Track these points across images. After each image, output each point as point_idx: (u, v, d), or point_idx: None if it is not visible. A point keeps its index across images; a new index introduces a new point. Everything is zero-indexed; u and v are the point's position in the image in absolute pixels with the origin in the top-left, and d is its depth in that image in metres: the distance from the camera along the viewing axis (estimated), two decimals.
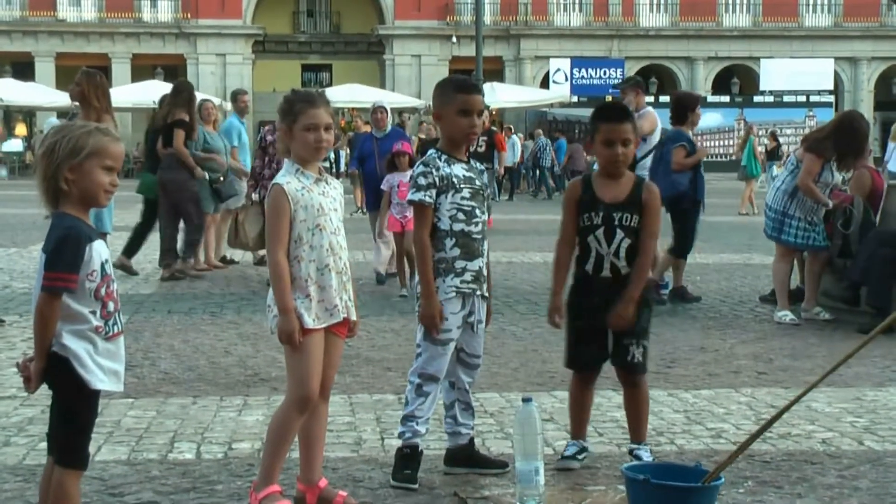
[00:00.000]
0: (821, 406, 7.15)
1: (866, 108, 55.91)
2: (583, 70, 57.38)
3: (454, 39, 57.37)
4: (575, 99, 54.68)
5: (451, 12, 58.51)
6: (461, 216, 5.44)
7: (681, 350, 9.09)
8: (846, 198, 10.90)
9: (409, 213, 11.36)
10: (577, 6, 60.03)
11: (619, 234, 5.62)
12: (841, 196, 10.93)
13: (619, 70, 57.81)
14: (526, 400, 5.13)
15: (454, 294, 5.43)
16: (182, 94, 13.83)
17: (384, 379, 7.92)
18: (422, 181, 5.40)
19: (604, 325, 5.64)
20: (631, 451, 5.76)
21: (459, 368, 5.62)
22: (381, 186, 12.63)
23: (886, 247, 10.30)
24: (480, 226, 5.51)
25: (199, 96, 15.07)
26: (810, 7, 60.76)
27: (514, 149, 37.43)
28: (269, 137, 12.93)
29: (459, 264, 5.45)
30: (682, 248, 11.91)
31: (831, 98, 56.47)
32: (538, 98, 52.99)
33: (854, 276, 10.58)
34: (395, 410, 6.89)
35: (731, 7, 60.57)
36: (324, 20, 62.40)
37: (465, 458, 5.66)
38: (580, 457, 5.77)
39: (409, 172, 11.45)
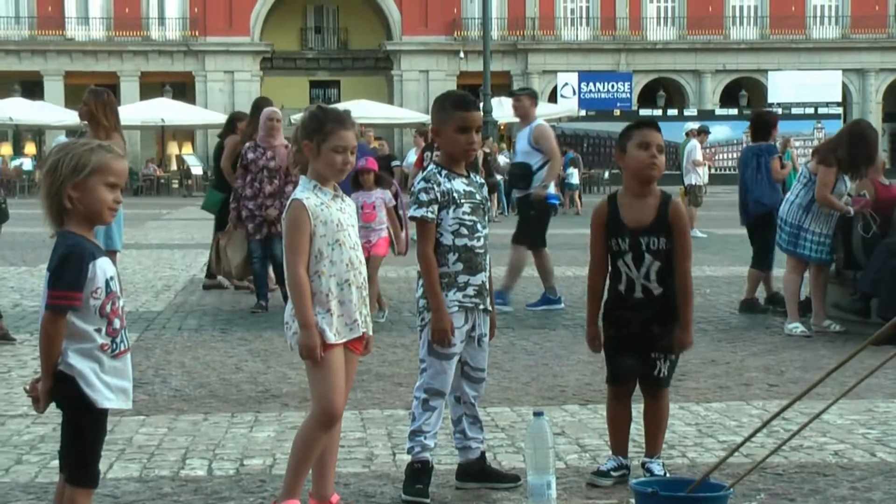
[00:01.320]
0: (833, 418, 7.13)
1: (875, 120, 55.87)
2: (590, 84, 57.42)
3: (462, 55, 57.48)
4: (583, 113, 54.73)
5: (459, 27, 58.63)
6: (463, 231, 5.45)
7: (692, 363, 9.07)
8: (865, 203, 10.94)
9: (374, 238, 11.15)
10: (584, 20, 60.14)
11: (648, 258, 5.62)
12: (861, 202, 10.96)
13: (627, 84, 57.87)
14: (537, 414, 5.13)
15: (457, 308, 5.44)
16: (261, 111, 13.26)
17: (395, 394, 7.92)
18: (423, 197, 5.40)
19: (636, 337, 5.64)
20: (643, 465, 5.75)
21: (464, 383, 5.62)
22: None
23: (892, 255, 10.30)
24: (482, 240, 5.52)
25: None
26: (818, 20, 60.78)
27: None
28: (249, 155, 12.06)
29: (462, 279, 5.46)
30: (766, 260, 12.34)
31: (840, 110, 56.44)
32: (546, 112, 52.91)
33: (864, 288, 10.57)
34: (407, 426, 6.86)
35: (738, 20, 60.62)
36: (331, 36, 62.56)
37: (476, 472, 5.65)
38: (615, 473, 5.70)
39: (374, 192, 11.25)
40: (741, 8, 60.63)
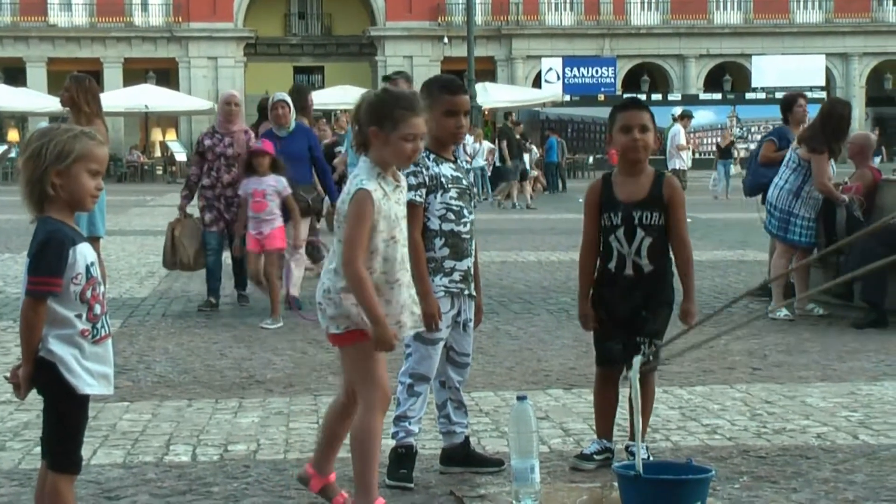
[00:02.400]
0: (815, 401, 7.16)
1: (858, 104, 55.97)
2: (574, 69, 57.44)
3: (446, 40, 57.42)
4: (567, 98, 54.72)
5: (443, 13, 58.56)
6: (450, 216, 5.44)
7: (675, 347, 9.08)
8: (857, 188, 10.98)
9: (266, 229, 10.52)
10: (568, 5, 60.10)
11: (640, 233, 5.63)
12: (851, 187, 11.02)
13: (611, 69, 57.90)
14: (521, 398, 5.13)
15: (443, 293, 5.43)
16: (300, 97, 13.03)
17: None
18: (412, 181, 5.35)
19: (624, 320, 5.66)
20: (627, 448, 5.77)
21: (449, 367, 5.63)
22: (239, 192, 10.80)
23: (879, 243, 10.32)
24: (468, 225, 5.52)
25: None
26: (801, 3, 60.84)
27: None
28: (206, 142, 11.47)
29: (448, 264, 5.45)
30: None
31: (823, 94, 56.51)
32: (530, 98, 53.03)
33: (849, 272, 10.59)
34: (388, 411, 6.89)
35: (722, 4, 60.64)
36: (315, 22, 62.43)
37: (461, 457, 5.67)
38: (598, 457, 5.71)
39: (267, 178, 10.50)
40: None
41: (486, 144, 35.37)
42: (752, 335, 9.73)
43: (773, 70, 57.62)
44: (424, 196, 5.40)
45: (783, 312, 10.57)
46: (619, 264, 5.67)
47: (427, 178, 5.39)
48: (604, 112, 50.37)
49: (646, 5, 60.56)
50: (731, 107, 55.52)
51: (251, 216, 10.59)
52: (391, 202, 4.74)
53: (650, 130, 5.69)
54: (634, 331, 5.66)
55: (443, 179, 5.43)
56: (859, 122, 53.72)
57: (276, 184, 10.54)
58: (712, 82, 60.30)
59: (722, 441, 6.19)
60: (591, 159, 50.28)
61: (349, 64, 60.31)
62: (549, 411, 6.92)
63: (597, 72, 57.60)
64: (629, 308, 5.66)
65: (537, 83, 57.76)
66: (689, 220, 19.96)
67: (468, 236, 5.52)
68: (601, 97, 54.02)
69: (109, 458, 5.90)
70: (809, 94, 52.19)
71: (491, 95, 46.08)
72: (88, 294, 4.11)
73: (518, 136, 33.46)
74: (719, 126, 52.44)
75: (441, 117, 5.45)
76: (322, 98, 41.47)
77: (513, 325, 10.38)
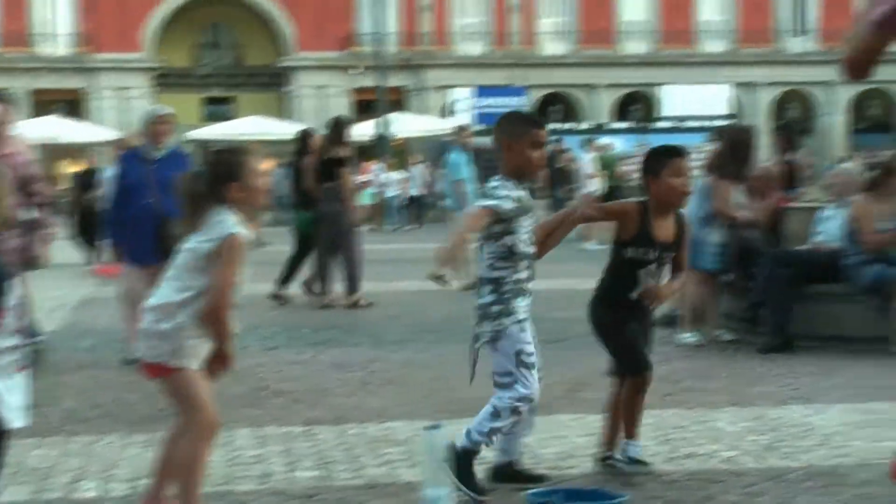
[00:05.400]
0: (724, 425, 7.26)
1: (764, 133, 56.81)
2: (485, 99, 57.69)
3: (357, 70, 57.39)
4: (479, 127, 54.93)
5: (354, 43, 58.57)
6: (529, 240, 5.72)
7: (589, 374, 9.15)
8: (764, 209, 11.16)
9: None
10: (478, 36, 60.39)
11: (667, 268, 6.16)
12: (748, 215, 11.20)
13: (521, 98, 58.23)
14: (432, 427, 5.15)
15: (525, 316, 5.67)
16: (342, 128, 14.42)
17: (293, 411, 7.90)
18: (502, 192, 5.60)
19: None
20: (604, 459, 6.15)
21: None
22: None
23: (785, 267, 10.51)
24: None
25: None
26: (707, 35, 61.70)
27: (420, 178, 37.61)
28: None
29: (527, 286, 5.72)
30: None
31: (730, 123, 57.33)
32: (442, 127, 53.13)
33: (754, 297, 10.77)
34: (304, 442, 6.88)
35: (629, 35, 61.31)
36: (226, 52, 62.10)
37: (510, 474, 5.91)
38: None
39: None
40: (632, 23, 61.32)
41: (398, 174, 35.44)
42: (662, 361, 9.80)
43: (682, 99, 58.31)
44: (510, 209, 5.58)
45: (691, 338, 10.69)
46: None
47: (516, 200, 5.61)
48: None
49: (555, 36, 61.04)
50: (641, 136, 56.09)
51: None
52: None
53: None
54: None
55: (530, 205, 5.72)
56: (766, 151, 54.46)
57: None
58: (623, 111, 60.89)
59: (637, 466, 6.24)
60: None
61: (261, 94, 60.00)
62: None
63: (508, 101, 57.90)
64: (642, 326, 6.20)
65: (449, 113, 57.94)
66: (603, 247, 20.00)
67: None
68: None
69: (16, 495, 5.81)
70: (716, 123, 52.93)
71: (403, 125, 46.11)
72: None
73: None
74: (629, 154, 53.01)
75: (527, 149, 5.69)
76: (234, 129, 41.33)
77: (427, 353, 10.39)
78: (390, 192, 33.07)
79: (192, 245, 5.01)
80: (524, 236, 5.68)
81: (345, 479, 5.89)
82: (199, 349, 5.00)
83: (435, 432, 5.13)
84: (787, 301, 10.31)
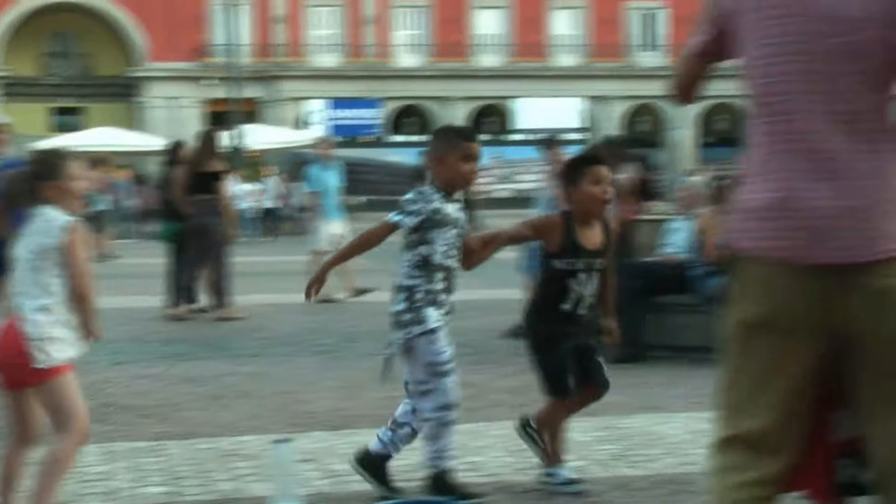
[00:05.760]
0: (574, 435, 7.29)
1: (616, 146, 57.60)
2: (340, 111, 57.64)
3: (210, 81, 56.83)
4: (339, 139, 54.74)
5: (206, 54, 58.01)
6: (451, 252, 5.74)
7: None
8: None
9: None
10: (333, 47, 60.32)
11: (596, 276, 6.15)
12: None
13: (376, 110, 58.32)
14: (282, 441, 5.12)
15: (441, 324, 5.71)
16: (213, 141, 14.43)
17: (141, 426, 7.77)
18: (410, 207, 5.66)
19: (578, 351, 6.12)
20: (549, 474, 6.14)
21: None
22: None
23: (636, 278, 10.66)
24: (457, 263, 5.83)
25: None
26: (559, 49, 62.54)
27: (274, 190, 37.43)
28: None
29: (442, 297, 5.75)
30: None
31: (583, 136, 58.12)
32: (297, 139, 52.85)
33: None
34: (153, 458, 6.78)
35: (483, 48, 61.82)
36: (75, 62, 60.99)
37: (373, 466, 5.94)
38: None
39: None
40: (486, 36, 61.85)
41: (251, 186, 35.19)
42: (515, 373, 9.89)
43: (535, 112, 59.01)
44: (413, 224, 5.65)
45: None
46: (577, 304, 6.10)
47: (429, 212, 5.64)
48: (370, 154, 50.82)
49: (410, 48, 61.28)
50: (496, 148, 56.53)
51: None
52: None
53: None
54: (594, 353, 6.24)
55: (449, 217, 5.70)
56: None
57: None
58: (477, 124, 61.34)
59: (482, 478, 6.28)
60: (365, 199, 50.23)
61: (111, 105, 59.06)
62: (315, 453, 6.89)
63: (362, 113, 57.92)
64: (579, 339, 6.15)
65: (303, 124, 57.70)
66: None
67: (456, 273, 5.85)
68: (368, 139, 54.34)
69: None
70: (569, 136, 53.68)
71: (257, 137, 45.76)
72: None
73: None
74: (486, 166, 53.34)
75: (457, 162, 5.74)
76: (84, 140, 40.58)
77: (279, 367, 10.33)
78: (244, 204, 32.84)
79: (32, 247, 5.08)
80: (442, 248, 5.71)
81: (194, 495, 5.81)
82: (71, 348, 5.12)
83: (285, 446, 5.09)
84: (638, 312, 10.48)
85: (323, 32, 60.64)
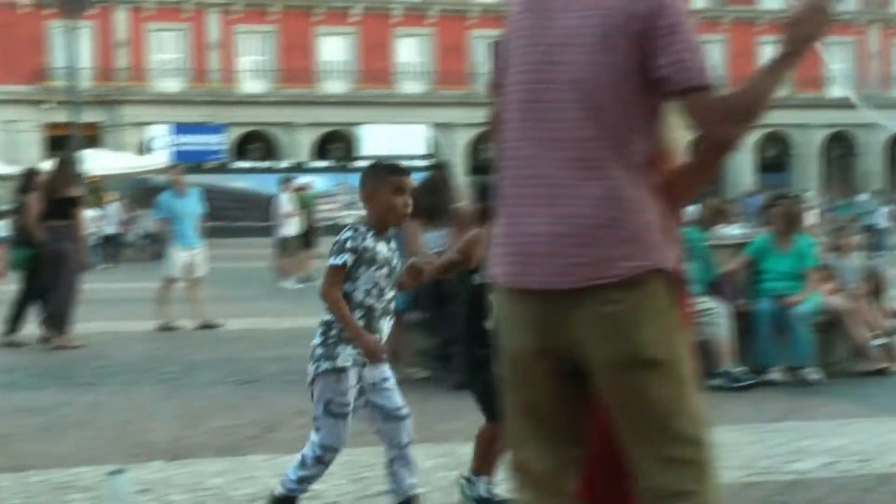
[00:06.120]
0: (416, 461, 7.33)
1: (460, 172, 58.12)
2: (183, 136, 57.00)
3: (49, 105, 55.71)
4: (184, 165, 54.04)
5: (46, 77, 56.90)
6: (374, 292, 5.66)
7: (280, 414, 9.14)
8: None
9: None
10: (176, 72, 59.70)
11: None
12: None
13: (220, 136, 57.82)
14: (116, 472, 5.04)
15: (351, 363, 5.61)
16: (70, 167, 14.60)
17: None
18: (349, 245, 5.57)
19: None
20: (468, 479, 6.33)
21: (392, 427, 5.86)
22: None
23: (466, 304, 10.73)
24: (385, 304, 5.74)
25: None
26: (405, 76, 62.89)
27: (116, 216, 36.86)
28: None
29: None
30: None
31: (428, 162, 58.39)
32: (139, 164, 52.12)
33: (447, 335, 10.96)
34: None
35: (328, 75, 61.84)
36: None
37: None
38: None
39: None
40: (331, 63, 61.88)
41: (92, 212, 34.51)
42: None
43: (381, 138, 59.13)
44: (352, 264, 5.58)
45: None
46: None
47: (361, 248, 5.59)
48: (214, 179, 50.26)
49: (254, 74, 60.97)
50: (341, 174, 56.47)
51: None
52: None
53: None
54: None
55: (378, 256, 5.64)
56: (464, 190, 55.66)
57: None
58: (323, 150, 61.25)
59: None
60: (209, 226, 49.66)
61: None
62: (152, 483, 6.79)
63: (206, 139, 57.36)
64: None
65: (146, 150, 56.90)
66: (301, 286, 19.97)
67: (382, 314, 5.74)
68: (211, 164, 53.82)
69: None
70: (415, 163, 54.11)
71: (99, 162, 44.98)
72: None
73: None
74: (331, 192, 53.32)
75: (388, 196, 5.67)
76: None
77: (118, 395, 10.16)
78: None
79: None
80: (365, 286, 5.65)
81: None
82: None
83: (120, 477, 5.01)
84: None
85: (166, 56, 60.02)
